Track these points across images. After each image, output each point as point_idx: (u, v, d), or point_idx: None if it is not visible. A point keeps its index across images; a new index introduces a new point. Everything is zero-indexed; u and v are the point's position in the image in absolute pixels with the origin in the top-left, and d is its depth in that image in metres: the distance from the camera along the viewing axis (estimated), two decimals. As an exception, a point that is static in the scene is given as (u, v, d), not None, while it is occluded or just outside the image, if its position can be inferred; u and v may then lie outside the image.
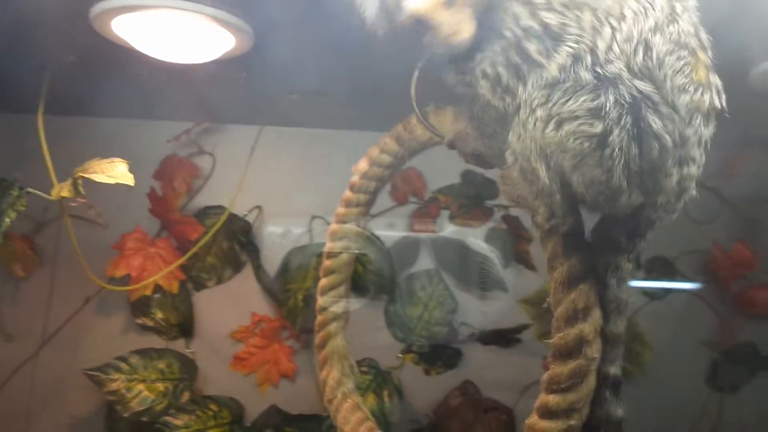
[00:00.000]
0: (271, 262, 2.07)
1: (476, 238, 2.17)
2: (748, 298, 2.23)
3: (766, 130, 1.93)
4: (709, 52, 0.85)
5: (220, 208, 2.03)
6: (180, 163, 2.04)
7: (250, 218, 2.08)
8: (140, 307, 2.00)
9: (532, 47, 0.83)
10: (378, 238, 2.10)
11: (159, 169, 2.02)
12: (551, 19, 0.81)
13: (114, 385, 1.86)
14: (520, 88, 0.85)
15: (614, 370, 0.96)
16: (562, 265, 0.92)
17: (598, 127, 0.79)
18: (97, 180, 1.31)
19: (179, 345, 2.03)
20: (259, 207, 2.08)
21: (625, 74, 0.79)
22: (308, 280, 2.02)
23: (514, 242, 2.16)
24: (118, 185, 1.33)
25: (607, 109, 0.79)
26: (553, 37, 0.81)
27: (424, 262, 2.15)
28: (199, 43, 1.33)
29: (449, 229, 2.16)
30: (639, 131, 0.79)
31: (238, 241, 2.06)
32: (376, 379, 2.02)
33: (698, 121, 0.83)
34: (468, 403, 2.08)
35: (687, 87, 0.81)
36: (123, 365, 1.90)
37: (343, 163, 1.85)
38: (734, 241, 2.24)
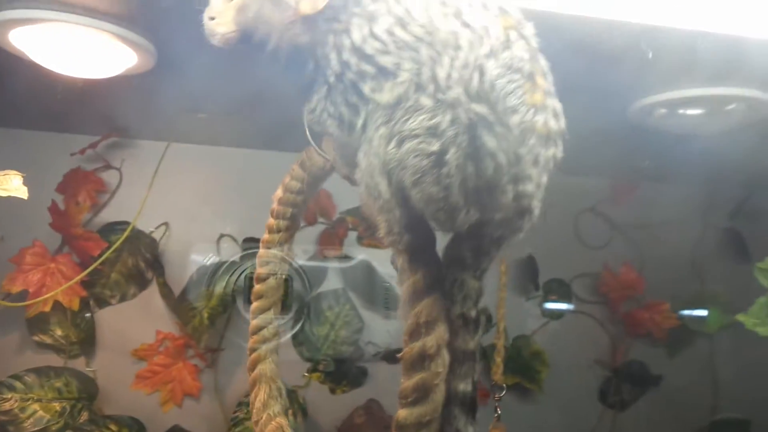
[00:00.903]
0: (178, 279, 2.06)
1: (383, 260, 2.22)
2: (635, 319, 2.37)
3: (650, 160, 2.07)
4: (549, 78, 0.89)
5: (125, 224, 2.01)
6: (85, 177, 2.00)
7: (157, 235, 2.06)
8: (38, 324, 1.95)
9: (367, 88, 0.88)
10: (293, 259, 2.12)
11: (62, 182, 1.98)
12: (387, 61, 0.86)
13: (6, 405, 1.80)
14: (361, 120, 0.90)
15: (464, 386, 0.95)
16: (408, 280, 0.93)
17: (436, 146, 0.83)
18: (-12, 192, 1.29)
19: (79, 363, 1.99)
20: (166, 224, 2.07)
21: (464, 98, 0.83)
22: (214, 299, 2.02)
23: (419, 263, 2.22)
24: (14, 198, 1.31)
25: (444, 128, 0.82)
26: (390, 76, 0.86)
27: (332, 283, 2.18)
28: (100, 58, 1.34)
29: (356, 250, 2.21)
30: (475, 150, 0.83)
31: (144, 257, 2.04)
32: (282, 397, 2.03)
33: (533, 141, 0.85)
34: (372, 421, 2.11)
35: (519, 108, 0.84)
36: (17, 384, 1.84)
37: (252, 182, 1.88)
38: (623, 264, 2.38)
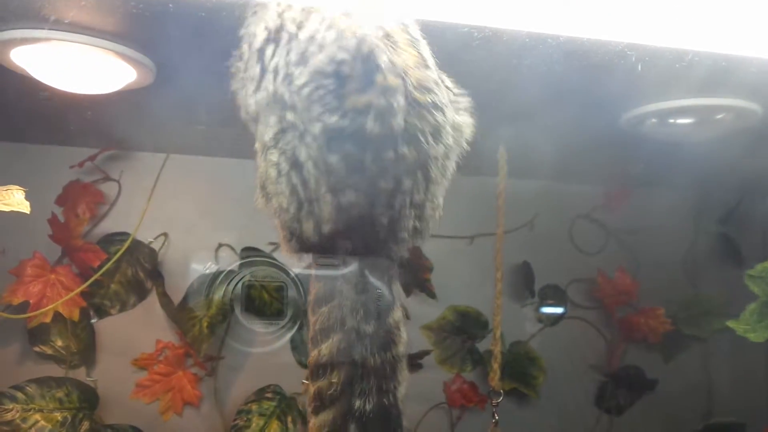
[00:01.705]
0: (177, 289, 2.08)
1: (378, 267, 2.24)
2: (630, 324, 2.39)
3: (643, 167, 2.09)
4: (391, 74, 0.82)
5: (124, 235, 2.03)
6: (84, 189, 2.03)
7: (156, 245, 2.08)
8: (38, 334, 1.97)
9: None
10: (286, 266, 2.14)
11: (62, 194, 2.00)
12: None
13: (8, 416, 1.82)
14: None
15: (360, 404, 0.91)
16: (312, 289, 0.95)
17: (274, 155, 0.85)
18: (-9, 207, 1.31)
19: (80, 373, 2.00)
20: (165, 234, 2.09)
21: (278, 106, 0.84)
22: (213, 308, 2.04)
23: (415, 271, 2.24)
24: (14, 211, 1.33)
25: (271, 136, 0.85)
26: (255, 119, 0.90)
27: (330, 290, 2.20)
28: (100, 75, 1.36)
29: (353, 259, 2.22)
30: (294, 159, 0.84)
31: (143, 268, 2.06)
32: (281, 405, 2.05)
33: (349, 146, 0.81)
34: (370, 428, 2.13)
35: (323, 116, 0.80)
36: (18, 394, 1.85)
37: (249, 192, 1.90)
38: (617, 269, 2.41)
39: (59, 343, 1.98)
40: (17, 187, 1.35)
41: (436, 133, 0.87)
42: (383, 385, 0.92)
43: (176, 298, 2.06)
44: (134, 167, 2.09)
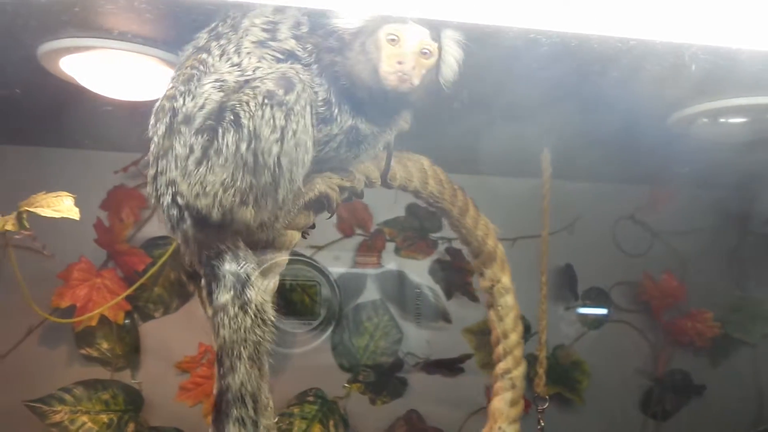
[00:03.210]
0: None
1: (420, 270, 2.23)
2: (677, 327, 2.34)
3: (689, 167, 2.04)
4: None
5: (167, 239, 2.05)
6: (128, 194, 2.05)
7: (198, 249, 2.10)
8: (85, 337, 2.00)
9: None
10: (325, 268, 2.14)
11: (106, 199, 2.03)
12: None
13: (57, 417, 1.85)
14: None
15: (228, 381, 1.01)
16: None
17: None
18: (42, 214, 1.33)
19: (125, 376, 2.03)
20: (207, 238, 2.11)
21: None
22: (255, 311, 2.04)
23: (457, 274, 2.22)
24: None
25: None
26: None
27: (370, 294, 2.20)
28: (145, 81, 1.37)
29: (394, 261, 2.22)
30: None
31: (186, 271, 2.08)
32: (322, 408, 2.05)
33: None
34: (412, 432, 2.13)
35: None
36: (67, 396, 1.89)
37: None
38: (664, 272, 2.35)
39: (105, 345, 2.02)
40: (66, 193, 1.38)
41: None
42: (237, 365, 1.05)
43: (218, 302, 2.07)
44: (177, 172, 2.11)
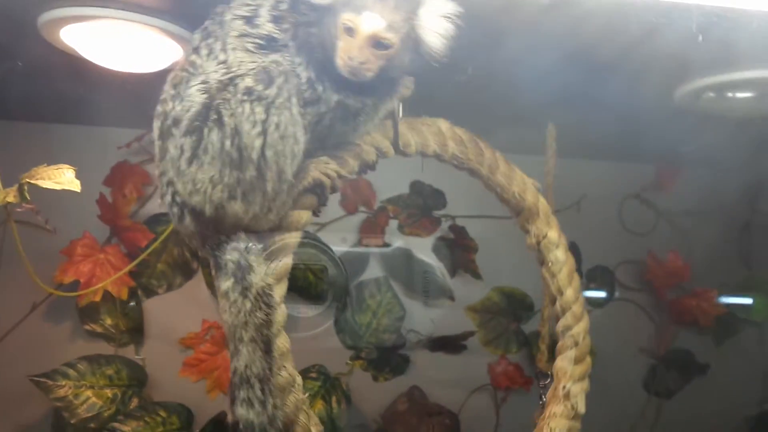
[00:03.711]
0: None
1: (424, 248, 2.22)
2: (681, 306, 2.33)
3: (696, 145, 2.02)
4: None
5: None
6: (131, 170, 2.05)
7: (202, 225, 2.09)
8: (89, 313, 2.00)
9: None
10: (329, 247, 2.14)
11: (109, 175, 2.02)
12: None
13: (61, 392, 1.86)
14: None
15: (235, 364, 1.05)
16: None
17: None
18: (43, 186, 1.33)
19: (129, 351, 2.04)
20: (210, 214, 2.10)
21: None
22: (258, 287, 2.04)
23: (460, 251, 2.22)
24: (65, 191, 1.35)
25: None
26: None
27: (373, 271, 2.19)
28: (148, 53, 1.36)
29: (398, 239, 2.21)
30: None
31: (189, 248, 2.08)
32: (325, 385, 2.05)
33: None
34: (414, 408, 2.13)
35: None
36: (71, 371, 1.89)
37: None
38: (669, 251, 2.34)
39: (108, 321, 2.02)
40: (68, 166, 1.37)
41: None
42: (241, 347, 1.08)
43: (222, 278, 2.07)
44: (180, 148, 2.10)
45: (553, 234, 1.40)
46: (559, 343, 1.43)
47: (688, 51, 1.37)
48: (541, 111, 1.77)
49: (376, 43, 1.01)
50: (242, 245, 1.05)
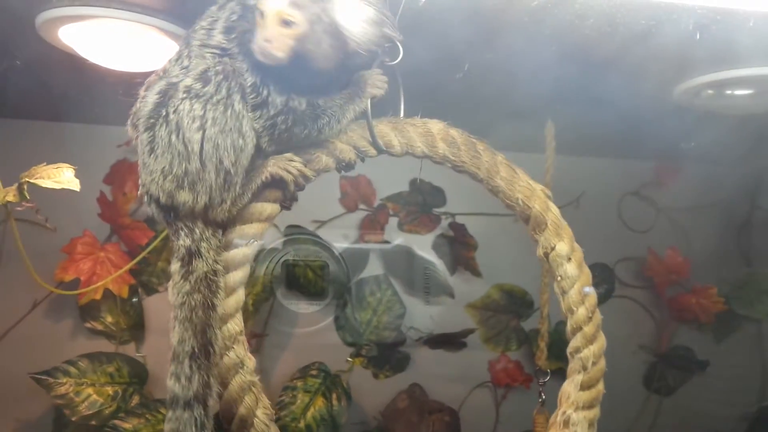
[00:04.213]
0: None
1: (424, 245, 2.23)
2: (681, 303, 2.33)
3: (695, 142, 2.02)
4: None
5: (171, 214, 2.05)
6: (131, 168, 2.05)
7: (202, 223, 2.10)
8: (89, 311, 2.01)
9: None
10: (330, 244, 2.14)
11: (109, 173, 2.03)
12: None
13: (62, 389, 1.87)
14: None
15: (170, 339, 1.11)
16: None
17: None
18: (42, 185, 1.33)
19: (129, 349, 2.04)
20: (210, 212, 2.11)
21: None
22: (258, 286, 2.05)
23: (460, 249, 2.22)
24: (64, 189, 1.35)
25: None
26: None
27: (374, 268, 2.20)
28: (146, 52, 1.36)
29: (398, 236, 2.22)
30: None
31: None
32: (326, 382, 2.06)
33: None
34: (414, 405, 2.13)
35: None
36: (71, 369, 1.90)
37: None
38: (668, 248, 2.34)
39: (109, 319, 2.03)
40: (67, 165, 1.37)
41: None
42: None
43: (222, 276, 2.07)
44: (179, 146, 2.10)
45: (564, 246, 1.26)
46: (569, 365, 1.33)
47: (686, 49, 1.37)
48: (540, 108, 1.77)
49: (282, 21, 1.03)
50: (198, 231, 1.11)
